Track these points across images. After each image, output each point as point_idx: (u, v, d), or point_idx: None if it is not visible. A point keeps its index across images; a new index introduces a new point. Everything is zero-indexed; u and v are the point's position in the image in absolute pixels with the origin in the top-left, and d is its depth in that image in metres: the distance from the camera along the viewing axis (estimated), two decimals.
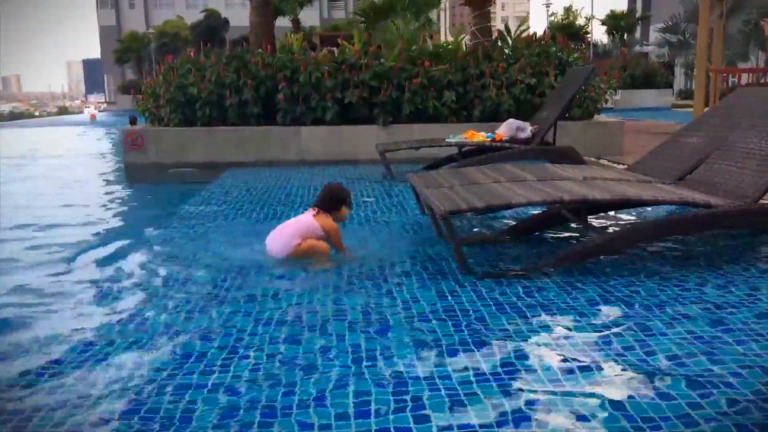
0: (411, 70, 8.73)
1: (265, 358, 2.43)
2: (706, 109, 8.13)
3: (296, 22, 28.56)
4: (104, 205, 6.11)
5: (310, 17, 37.64)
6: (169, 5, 56.23)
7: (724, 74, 11.36)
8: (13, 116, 36.69)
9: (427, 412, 2.00)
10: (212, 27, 35.69)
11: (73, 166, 9.58)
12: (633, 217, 4.76)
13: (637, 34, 40.70)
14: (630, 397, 2.07)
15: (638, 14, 40.49)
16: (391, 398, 2.10)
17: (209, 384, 2.22)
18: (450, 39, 10.79)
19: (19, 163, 9.94)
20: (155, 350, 2.54)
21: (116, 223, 5.31)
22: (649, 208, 4.84)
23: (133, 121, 10.05)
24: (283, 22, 27.49)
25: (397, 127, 8.65)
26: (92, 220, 5.34)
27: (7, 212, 5.67)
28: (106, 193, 6.94)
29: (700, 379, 2.17)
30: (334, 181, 4.17)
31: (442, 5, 32.44)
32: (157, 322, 2.85)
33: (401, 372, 2.28)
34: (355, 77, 8.59)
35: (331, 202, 3.81)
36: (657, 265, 3.55)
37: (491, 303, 2.98)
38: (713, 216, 3.51)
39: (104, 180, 8.03)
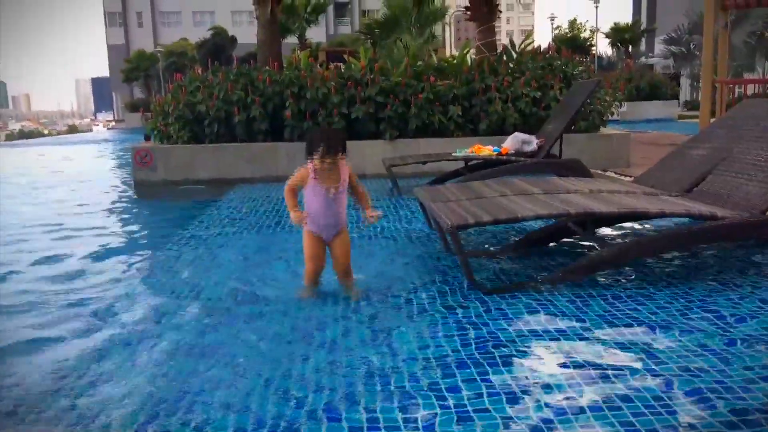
0: (417, 86, 8.79)
1: (274, 373, 2.45)
2: (712, 120, 8.13)
3: (303, 39, 28.86)
4: (114, 223, 6.17)
5: (316, 33, 37.96)
6: (176, 23, 56.96)
7: (730, 85, 11.36)
8: (23, 135, 37.04)
9: (437, 430, 2.01)
10: (219, 45, 36.04)
11: (83, 184, 9.66)
12: (640, 230, 4.76)
13: (642, 46, 40.81)
14: (638, 410, 2.07)
15: (643, 26, 40.62)
16: (399, 414, 2.11)
17: (218, 400, 2.24)
18: (455, 53, 10.86)
19: (30, 181, 10.03)
20: (161, 368, 2.56)
21: (126, 240, 5.35)
22: (655, 221, 4.84)
23: (148, 138, 10.15)
24: (289, 37, 27.76)
25: (404, 141, 8.70)
26: (102, 236, 5.37)
27: (17, 229, 5.72)
28: (117, 211, 6.99)
29: (708, 391, 2.17)
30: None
31: (447, 20, 32.69)
32: (166, 339, 2.87)
33: (409, 387, 2.29)
34: (361, 93, 8.66)
35: (306, 151, 3.32)
36: (665, 277, 3.56)
37: (499, 317, 2.99)
38: (720, 228, 3.51)
39: (114, 197, 8.09)
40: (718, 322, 2.84)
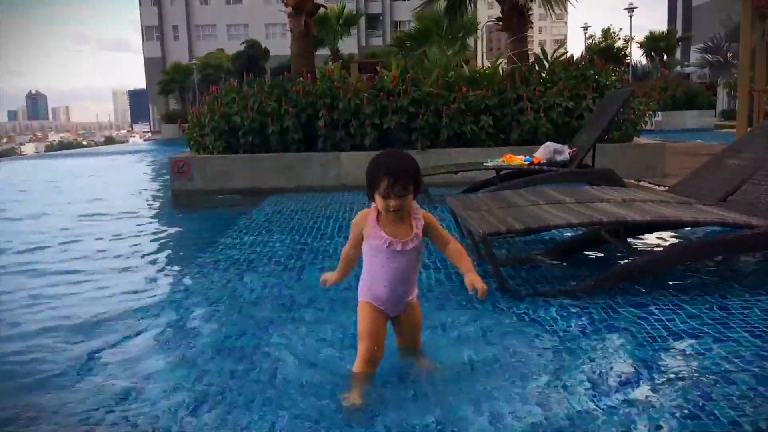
0: (448, 96, 8.85)
1: (303, 381, 2.47)
2: (749, 130, 8.01)
3: (335, 51, 29.20)
4: (152, 231, 6.31)
5: (348, 44, 38.36)
6: (211, 36, 58.09)
7: None
8: (62, 146, 37.98)
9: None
10: (253, 57, 36.65)
11: (122, 193, 9.92)
12: (673, 239, 4.72)
13: (678, 55, 40.23)
14: (673, 416, 2.08)
15: (678, 35, 40.06)
16: (427, 417, 2.15)
17: (254, 415, 2.31)
18: (487, 64, 10.90)
19: (73, 189, 10.33)
20: (193, 385, 2.65)
21: (163, 248, 5.47)
22: (689, 230, 4.80)
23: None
24: (322, 49, 28.10)
25: (436, 151, 8.75)
26: (140, 243, 5.51)
27: (56, 237, 5.92)
28: (153, 219, 7.16)
29: (743, 399, 2.17)
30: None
31: (479, 32, 32.74)
32: (201, 351, 2.87)
33: (442, 395, 2.33)
34: (393, 103, 8.75)
35: (366, 189, 2.52)
36: (698, 286, 3.53)
37: (531, 324, 3.01)
38: (755, 237, 3.48)
39: (152, 206, 8.29)
40: (753, 330, 2.82)
